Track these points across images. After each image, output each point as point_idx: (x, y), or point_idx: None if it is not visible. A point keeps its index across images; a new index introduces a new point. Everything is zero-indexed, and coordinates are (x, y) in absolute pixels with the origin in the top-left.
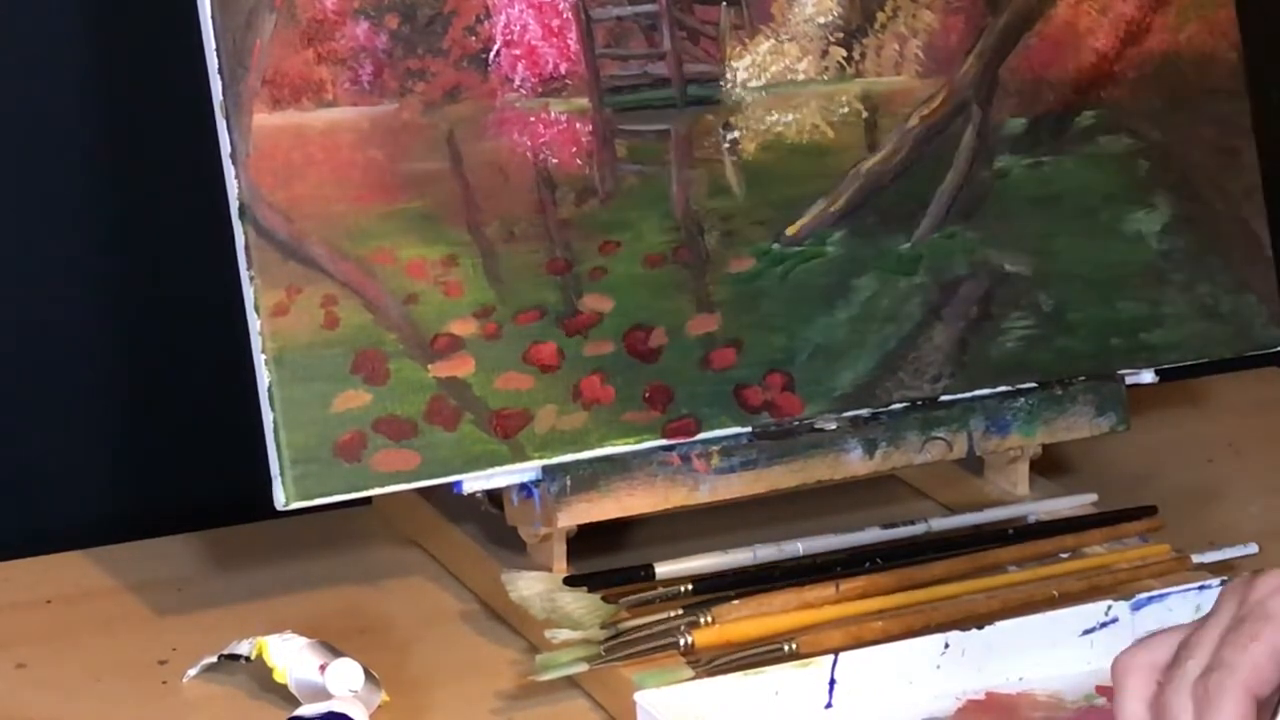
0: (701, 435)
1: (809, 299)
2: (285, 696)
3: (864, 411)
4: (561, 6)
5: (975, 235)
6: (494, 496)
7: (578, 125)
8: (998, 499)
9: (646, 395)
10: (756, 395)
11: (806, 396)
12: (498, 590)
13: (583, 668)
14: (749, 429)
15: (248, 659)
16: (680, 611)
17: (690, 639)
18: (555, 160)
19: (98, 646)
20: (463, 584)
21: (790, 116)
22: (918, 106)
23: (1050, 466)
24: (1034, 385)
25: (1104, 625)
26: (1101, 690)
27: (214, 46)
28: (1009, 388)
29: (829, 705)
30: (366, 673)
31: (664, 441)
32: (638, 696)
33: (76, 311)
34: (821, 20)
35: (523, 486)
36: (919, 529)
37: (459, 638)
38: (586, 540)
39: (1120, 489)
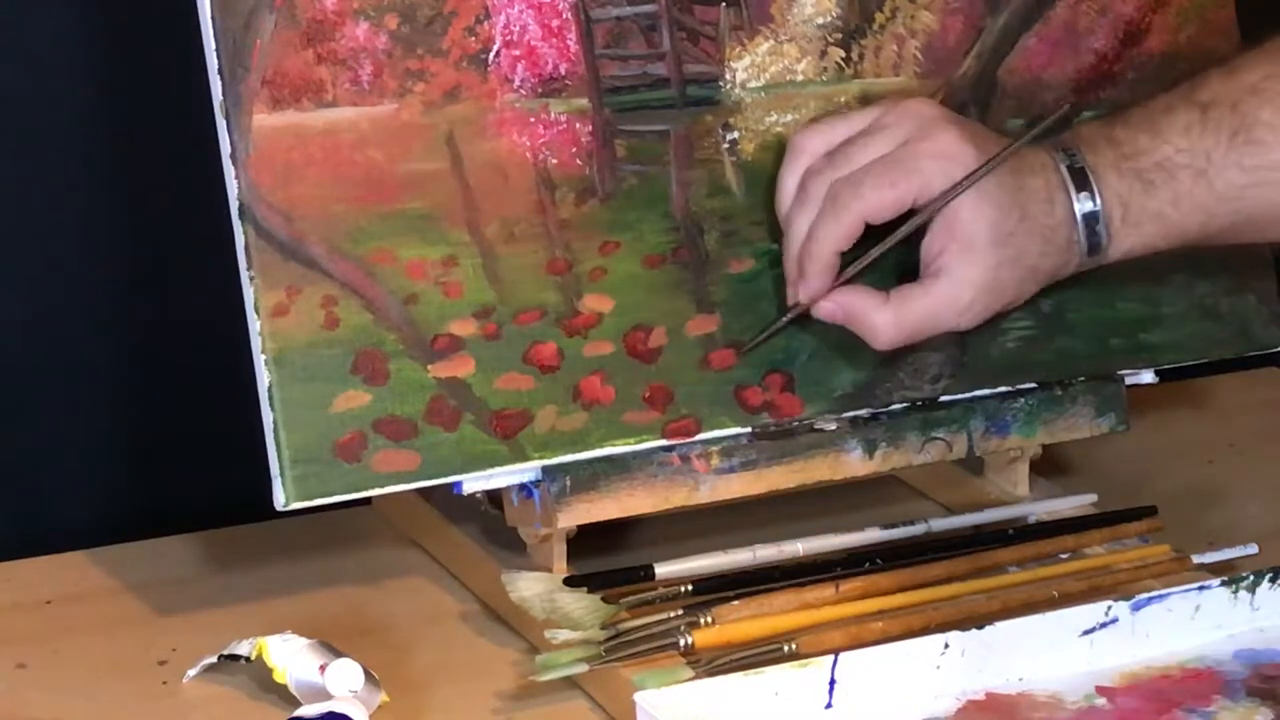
0: (701, 435)
1: None
2: (285, 697)
3: (864, 411)
4: (561, 7)
5: None
6: (494, 497)
7: (577, 125)
8: (998, 499)
9: (646, 395)
10: (756, 395)
11: (806, 396)
12: (498, 590)
13: (583, 668)
14: (749, 429)
15: (248, 659)
16: (680, 612)
17: (690, 639)
18: (555, 160)
19: (98, 646)
20: (463, 584)
21: (789, 117)
22: None
23: (1050, 467)
24: (1034, 386)
25: (1104, 625)
26: (1101, 690)
27: (214, 46)
28: (1009, 388)
29: (829, 705)
30: (366, 673)
31: (664, 442)
32: (638, 697)
33: (76, 312)
34: (820, 21)
35: (523, 487)
36: (919, 529)
37: (459, 638)
38: (586, 540)
39: (1120, 489)
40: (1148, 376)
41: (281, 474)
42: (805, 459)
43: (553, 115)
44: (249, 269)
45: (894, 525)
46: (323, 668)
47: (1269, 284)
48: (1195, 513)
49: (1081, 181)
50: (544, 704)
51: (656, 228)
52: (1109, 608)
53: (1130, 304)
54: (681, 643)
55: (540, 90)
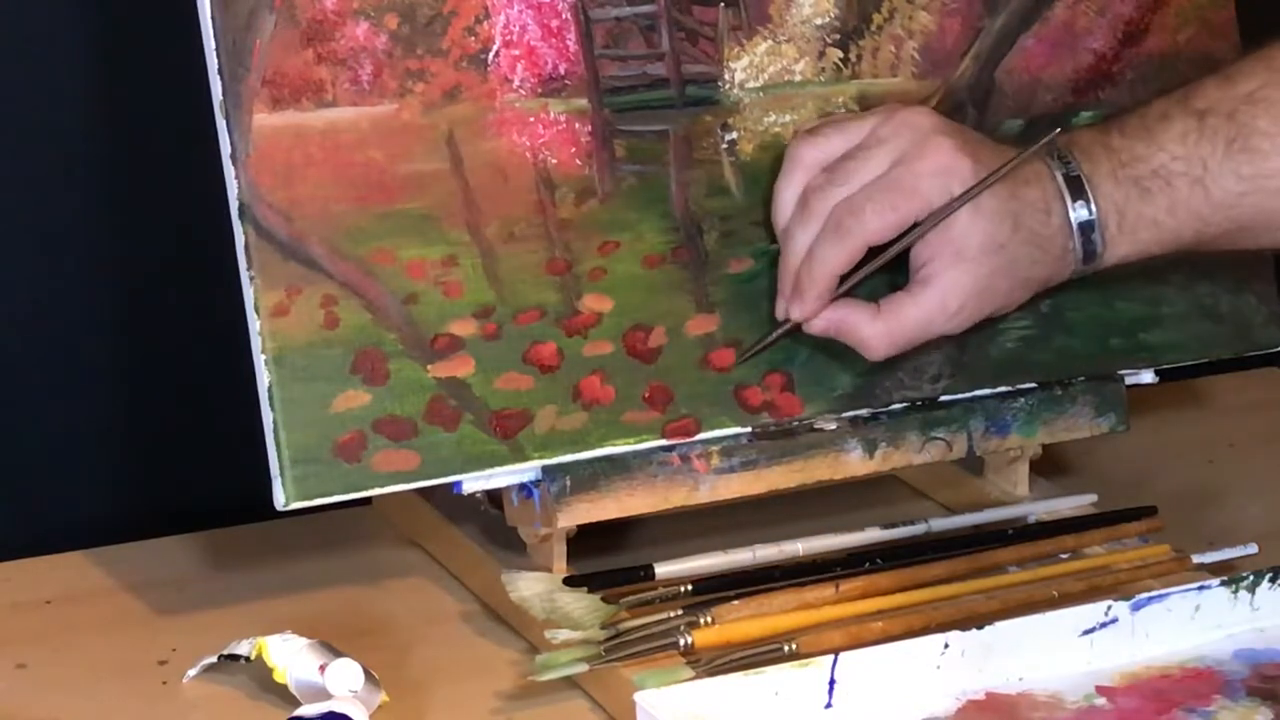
0: (701, 435)
1: None
2: (285, 696)
3: (864, 411)
4: (561, 7)
5: None
6: (494, 497)
7: (577, 125)
8: (998, 499)
9: (646, 395)
10: (756, 395)
11: (806, 396)
12: (498, 590)
13: (583, 668)
14: (749, 429)
15: (248, 659)
16: (680, 612)
17: (690, 639)
18: (555, 160)
19: (98, 646)
20: (463, 584)
21: (788, 117)
22: None
23: (1050, 467)
24: (1034, 385)
25: (1104, 625)
26: (1101, 690)
27: (214, 46)
28: (1009, 388)
29: (829, 705)
30: (366, 673)
31: (664, 441)
32: (638, 696)
33: (77, 312)
34: (818, 22)
35: (523, 486)
36: (919, 529)
37: (459, 638)
38: (586, 540)
39: (1120, 489)
40: (1148, 376)
41: (281, 474)
42: (805, 459)
43: (552, 115)
44: (249, 269)
45: (894, 525)
46: (323, 668)
47: (1269, 284)
48: (1195, 513)
49: (1077, 190)
50: (544, 704)
51: (656, 228)
52: (1109, 608)
53: (1130, 304)
54: (681, 643)
55: (540, 90)
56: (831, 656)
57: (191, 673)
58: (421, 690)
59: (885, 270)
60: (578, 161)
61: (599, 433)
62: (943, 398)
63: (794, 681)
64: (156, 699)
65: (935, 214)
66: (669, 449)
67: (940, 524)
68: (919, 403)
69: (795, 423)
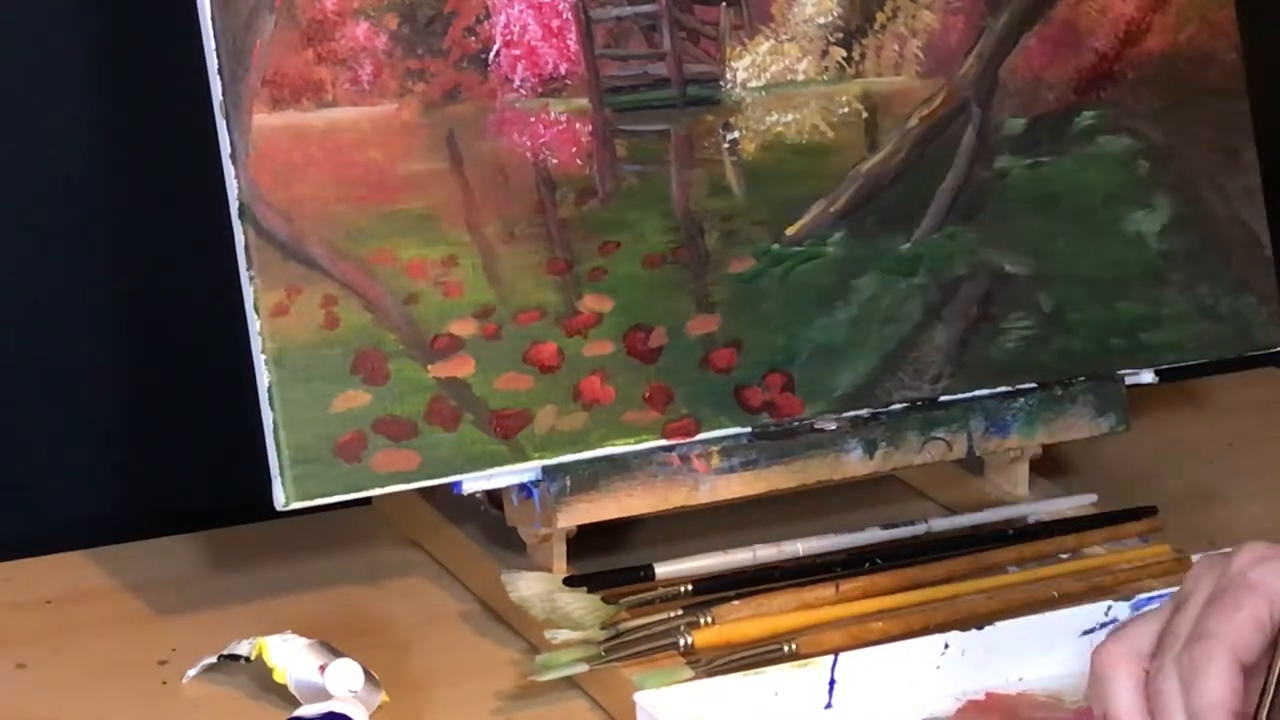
0: (701, 435)
1: (809, 299)
2: (285, 696)
3: (864, 412)
4: (561, 7)
5: (975, 236)
6: (494, 497)
7: (578, 125)
8: (998, 499)
9: (646, 395)
10: (756, 395)
11: (806, 397)
12: (498, 590)
13: (583, 668)
14: (749, 429)
15: (248, 659)
16: (680, 612)
17: (690, 639)
18: (555, 160)
19: (98, 646)
20: (463, 584)
21: (790, 117)
22: (917, 107)
23: (1050, 467)
24: (1034, 386)
25: (1104, 625)
26: None
27: (214, 46)
28: (1009, 388)
29: (829, 705)
30: (366, 673)
31: (664, 442)
32: (638, 697)
33: (76, 312)
34: (821, 20)
35: (523, 487)
36: (919, 529)
37: (459, 638)
38: (586, 540)
39: (1120, 489)
40: (1148, 376)
41: (281, 474)
42: (805, 459)
43: (553, 115)
44: (249, 269)
45: (894, 525)
46: (323, 668)
47: (1269, 284)
48: (1195, 513)
49: None
50: (544, 704)
51: (657, 227)
52: (1109, 608)
53: (1130, 304)
54: (681, 643)
55: (540, 90)
56: (831, 657)
57: (191, 673)
58: (421, 690)
59: None
60: (578, 161)
61: (599, 433)
62: (943, 398)
63: (794, 681)
64: (156, 699)
65: None
66: (669, 449)
67: (940, 524)
68: (919, 403)
69: (795, 423)
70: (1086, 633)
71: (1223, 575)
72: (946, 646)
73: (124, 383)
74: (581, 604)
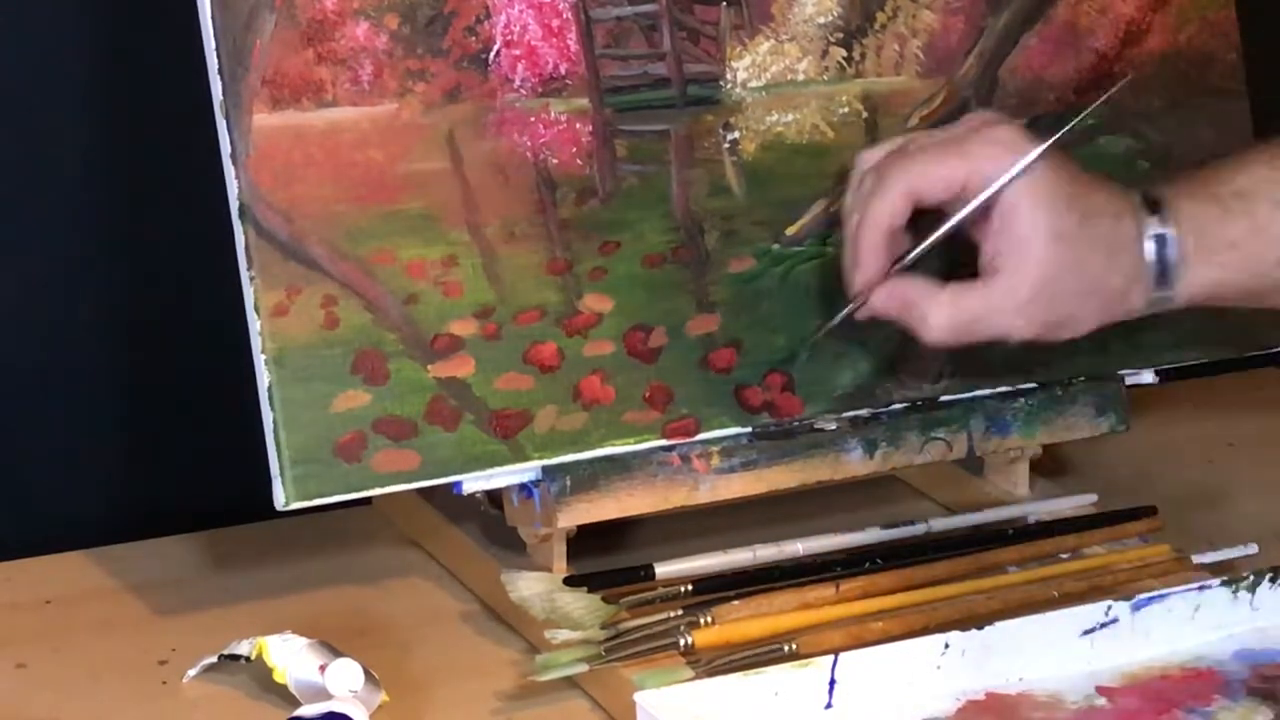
0: (701, 435)
1: (809, 299)
2: (285, 696)
3: (864, 411)
4: (561, 7)
5: None
6: (494, 497)
7: (578, 125)
8: (998, 499)
9: (646, 395)
10: (756, 395)
11: (806, 396)
12: (498, 590)
13: (583, 668)
14: (749, 429)
15: (248, 659)
16: (680, 612)
17: (690, 639)
18: (555, 160)
19: (98, 646)
20: (463, 584)
21: (790, 116)
22: (918, 107)
23: (1050, 467)
24: (1034, 385)
25: (1104, 625)
26: (1101, 690)
27: (214, 46)
28: (1009, 388)
29: (829, 705)
30: (366, 673)
31: (664, 441)
32: (638, 697)
33: (77, 312)
34: (821, 20)
35: (523, 486)
36: (919, 529)
37: (459, 638)
38: (586, 540)
39: (1120, 489)
40: (1148, 376)
41: (281, 474)
42: (805, 459)
43: (553, 115)
44: (249, 269)
45: (894, 525)
46: (323, 668)
47: None
48: (1195, 513)
49: (1153, 205)
50: (544, 704)
51: (656, 227)
52: (1109, 607)
53: None
54: (681, 643)
55: (540, 90)
56: (831, 656)
57: (191, 673)
58: (421, 690)
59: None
60: (578, 161)
61: (599, 433)
62: (943, 398)
63: (794, 681)
64: (156, 699)
65: (991, 185)
66: (669, 449)
67: (940, 524)
68: (919, 403)
69: (795, 423)
70: (1086, 633)
71: (961, 130)
72: (946, 646)
73: (124, 383)
74: (581, 604)
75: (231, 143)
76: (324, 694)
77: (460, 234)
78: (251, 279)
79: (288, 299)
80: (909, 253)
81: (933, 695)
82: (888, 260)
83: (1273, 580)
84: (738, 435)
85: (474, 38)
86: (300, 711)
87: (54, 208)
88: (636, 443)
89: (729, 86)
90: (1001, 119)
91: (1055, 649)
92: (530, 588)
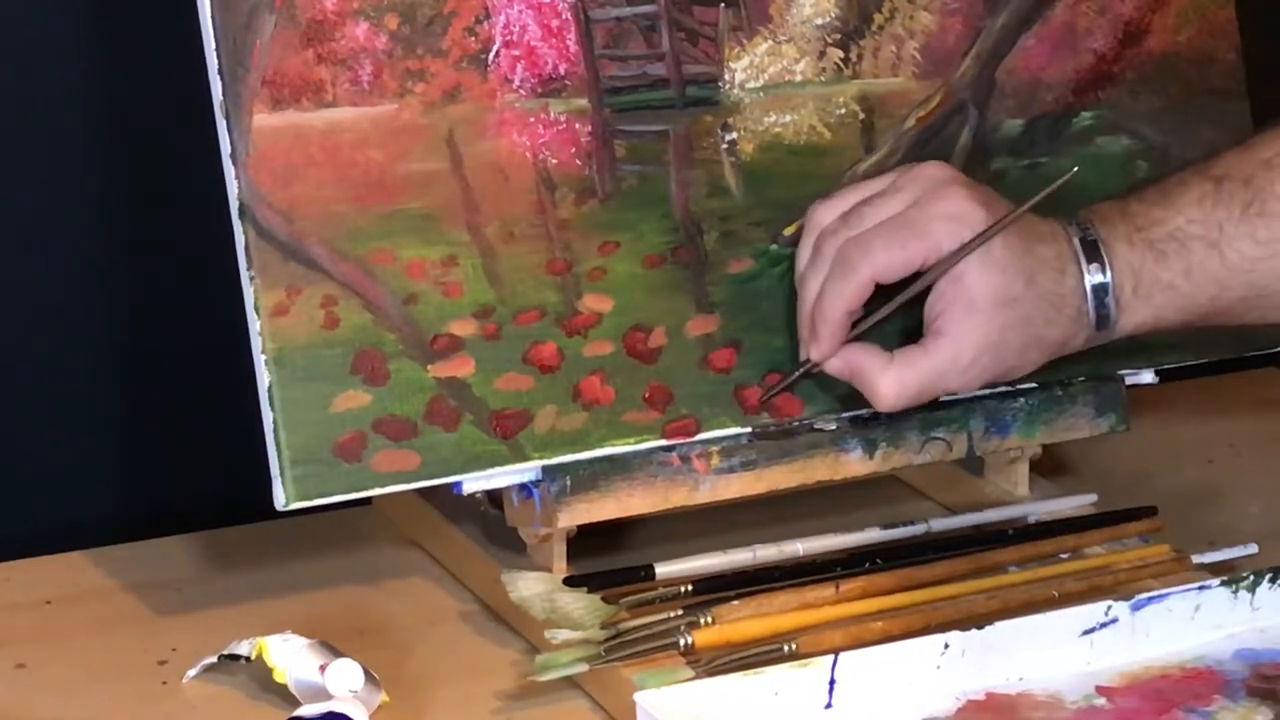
0: (701, 435)
1: None
2: (285, 696)
3: (864, 412)
4: (561, 7)
5: None
6: (494, 497)
7: (577, 126)
8: (998, 499)
9: (646, 395)
10: (756, 395)
11: (806, 396)
12: (498, 590)
13: (583, 668)
14: (749, 429)
15: (248, 659)
16: (680, 612)
17: (690, 639)
18: (555, 161)
19: (97, 646)
20: (463, 584)
21: (788, 117)
22: (914, 108)
23: (1050, 467)
24: (1034, 385)
25: (1104, 625)
26: (1101, 690)
27: (214, 46)
28: (1009, 388)
29: (829, 705)
30: (366, 673)
31: (664, 442)
32: (638, 697)
33: (76, 312)
34: (819, 22)
35: (523, 487)
36: (919, 529)
37: (459, 638)
38: (586, 540)
39: (1120, 489)
40: (1148, 376)
41: (281, 474)
42: (805, 459)
43: (552, 115)
44: (249, 269)
45: (894, 525)
46: (323, 668)
47: None
48: (1195, 513)
49: (1092, 253)
50: (544, 704)
51: (656, 228)
52: (1109, 607)
53: None
54: (681, 643)
55: (540, 90)
56: (831, 656)
57: (191, 673)
58: (421, 690)
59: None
60: (578, 161)
61: (599, 433)
62: (943, 398)
63: (794, 681)
64: (156, 699)
65: (946, 259)
66: (669, 449)
67: (940, 524)
68: None
69: (795, 423)
70: (1086, 632)
71: (917, 203)
72: (946, 646)
73: (124, 383)
74: (581, 604)
75: (231, 143)
76: (324, 694)
77: (460, 234)
78: (251, 279)
79: (288, 299)
80: (863, 320)
81: (933, 695)
82: (844, 337)
83: (1273, 580)
84: (738, 435)
85: (473, 38)
86: (300, 711)
87: (54, 208)
88: (636, 443)
89: (727, 87)
90: (935, 163)
91: (1055, 649)
92: (530, 588)
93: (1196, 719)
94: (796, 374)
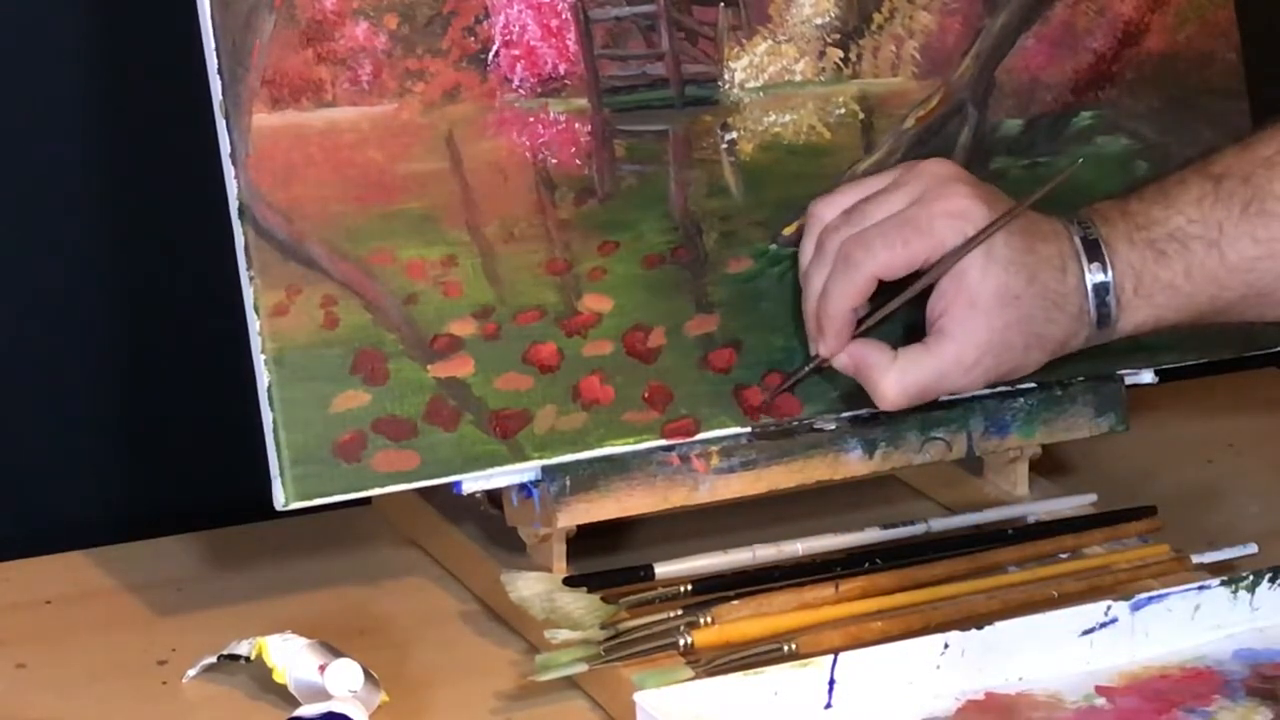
0: (701, 435)
1: None
2: (285, 696)
3: (864, 411)
4: (560, 7)
5: None
6: (494, 496)
7: (577, 125)
8: (997, 499)
9: (646, 395)
10: (756, 395)
11: (806, 396)
12: (498, 590)
13: (582, 668)
14: (749, 429)
15: (248, 659)
16: (680, 612)
17: (690, 639)
18: (554, 160)
19: (97, 646)
20: (463, 584)
21: (787, 117)
22: (914, 108)
23: (1050, 467)
24: (1034, 385)
25: (1104, 625)
26: (1101, 690)
27: (214, 46)
28: (1009, 388)
29: (829, 705)
30: (366, 673)
31: (664, 441)
32: (637, 697)
33: (76, 312)
34: (819, 21)
35: (522, 486)
36: (919, 529)
37: (459, 638)
38: (586, 540)
39: (1120, 489)
40: (1148, 376)
41: (281, 474)
42: (805, 459)
43: (552, 115)
44: (249, 269)
45: (894, 525)
46: (323, 668)
47: None
48: (1195, 513)
49: (1094, 252)
50: (544, 704)
51: (655, 228)
52: (1109, 607)
53: None
54: (681, 643)
55: (540, 90)
56: (831, 656)
57: (191, 673)
58: (421, 690)
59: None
60: (577, 161)
61: (599, 433)
62: (942, 398)
63: (794, 681)
64: (156, 699)
65: (949, 256)
66: (669, 449)
67: (940, 524)
68: None
69: (795, 423)
70: (1086, 632)
71: (920, 200)
72: (946, 646)
73: (124, 383)
74: (581, 604)
75: (231, 143)
76: (324, 694)
77: (460, 234)
78: (251, 279)
79: (287, 299)
80: (869, 316)
81: (932, 695)
82: (850, 334)
83: (1273, 580)
84: (737, 435)
85: (473, 38)
86: (300, 711)
87: (53, 208)
88: (636, 443)
89: (727, 87)
90: (937, 160)
91: (1055, 649)
92: (530, 588)
93: (1196, 719)
94: (806, 369)
